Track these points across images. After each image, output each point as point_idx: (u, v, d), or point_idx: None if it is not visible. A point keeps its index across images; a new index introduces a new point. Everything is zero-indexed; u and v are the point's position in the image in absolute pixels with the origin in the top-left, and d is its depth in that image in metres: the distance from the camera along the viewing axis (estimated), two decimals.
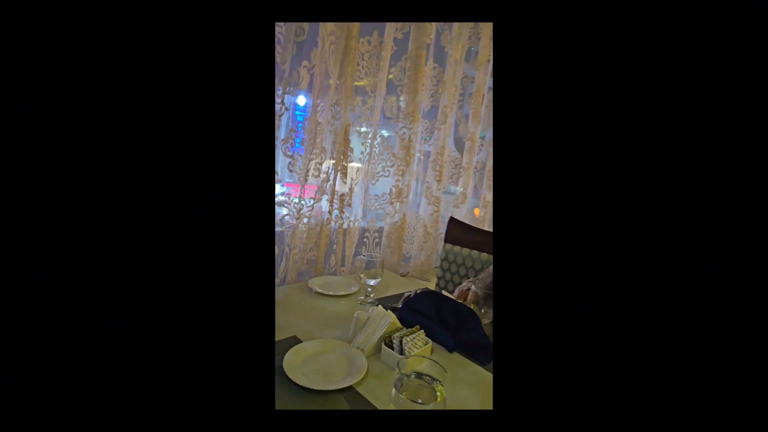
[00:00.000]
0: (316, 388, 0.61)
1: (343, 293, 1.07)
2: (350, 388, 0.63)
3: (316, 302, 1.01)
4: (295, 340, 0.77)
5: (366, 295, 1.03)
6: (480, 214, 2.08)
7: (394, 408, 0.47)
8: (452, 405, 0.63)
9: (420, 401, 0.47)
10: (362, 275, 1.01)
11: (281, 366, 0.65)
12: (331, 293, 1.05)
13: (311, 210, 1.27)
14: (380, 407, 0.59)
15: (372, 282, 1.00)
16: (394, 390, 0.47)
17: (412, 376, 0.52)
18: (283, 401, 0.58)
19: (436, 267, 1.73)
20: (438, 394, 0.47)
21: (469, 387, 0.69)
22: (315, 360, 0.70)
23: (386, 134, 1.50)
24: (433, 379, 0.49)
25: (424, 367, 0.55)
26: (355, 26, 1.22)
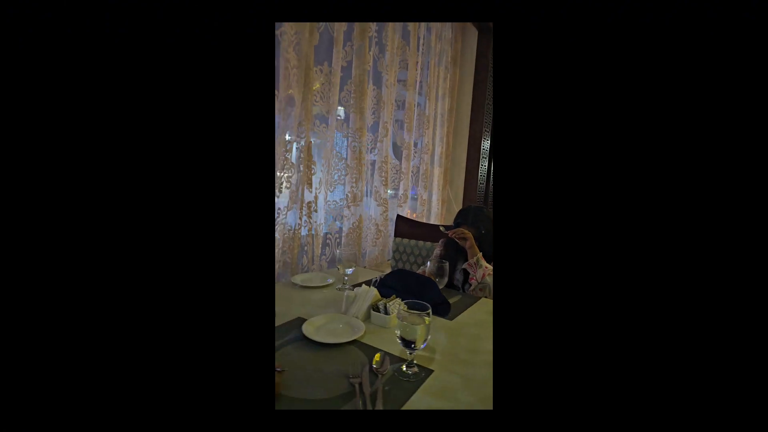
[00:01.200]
0: (333, 341, 0.82)
1: (323, 284, 1.27)
2: (356, 341, 0.86)
3: (303, 294, 1.20)
4: (300, 320, 0.96)
5: (343, 283, 1.25)
6: (415, 214, 2.41)
7: (398, 333, 0.72)
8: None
9: (416, 324, 0.72)
10: (340, 267, 1.23)
11: (302, 334, 0.85)
12: (314, 285, 1.25)
13: (285, 218, 1.45)
14: (383, 348, 0.82)
15: (349, 271, 1.22)
16: (398, 320, 0.72)
17: (408, 312, 0.77)
18: (307, 358, 0.78)
19: (389, 260, 2.00)
20: (426, 320, 0.73)
21: (434, 331, 0.96)
22: (324, 328, 0.91)
23: (339, 147, 1.73)
24: (421, 313, 0.75)
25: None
26: (311, 57, 1.43)
